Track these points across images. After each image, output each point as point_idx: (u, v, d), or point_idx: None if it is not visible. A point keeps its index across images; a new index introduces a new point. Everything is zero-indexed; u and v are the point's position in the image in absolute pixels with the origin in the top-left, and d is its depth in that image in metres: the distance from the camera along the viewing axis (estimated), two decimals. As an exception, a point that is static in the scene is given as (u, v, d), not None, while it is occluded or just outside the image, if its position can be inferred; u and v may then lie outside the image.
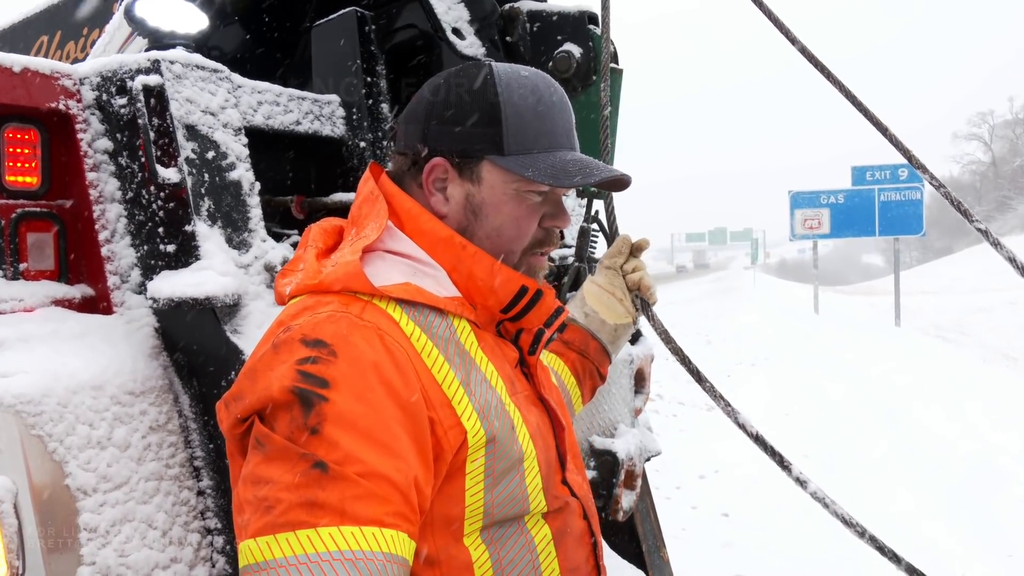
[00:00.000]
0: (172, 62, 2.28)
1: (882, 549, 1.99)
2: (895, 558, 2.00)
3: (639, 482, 3.08)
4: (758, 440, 2.01)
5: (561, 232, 1.53)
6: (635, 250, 2.02)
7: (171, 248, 2.27)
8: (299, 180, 2.93)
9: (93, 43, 3.45)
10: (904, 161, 2.33)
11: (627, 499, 3.00)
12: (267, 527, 1.06)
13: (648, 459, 3.27)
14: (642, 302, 2.01)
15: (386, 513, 1.08)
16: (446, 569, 1.23)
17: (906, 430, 8.69)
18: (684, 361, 2.05)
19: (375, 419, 1.12)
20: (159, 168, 2.22)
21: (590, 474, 2.91)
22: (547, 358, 1.94)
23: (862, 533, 1.98)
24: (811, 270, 24.31)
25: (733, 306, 22.89)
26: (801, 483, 1.98)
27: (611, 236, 2.21)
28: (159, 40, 2.41)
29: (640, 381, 3.45)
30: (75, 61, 3.54)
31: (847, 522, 1.96)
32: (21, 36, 3.94)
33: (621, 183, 1.43)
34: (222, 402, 1.22)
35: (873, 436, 8.42)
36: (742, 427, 2.02)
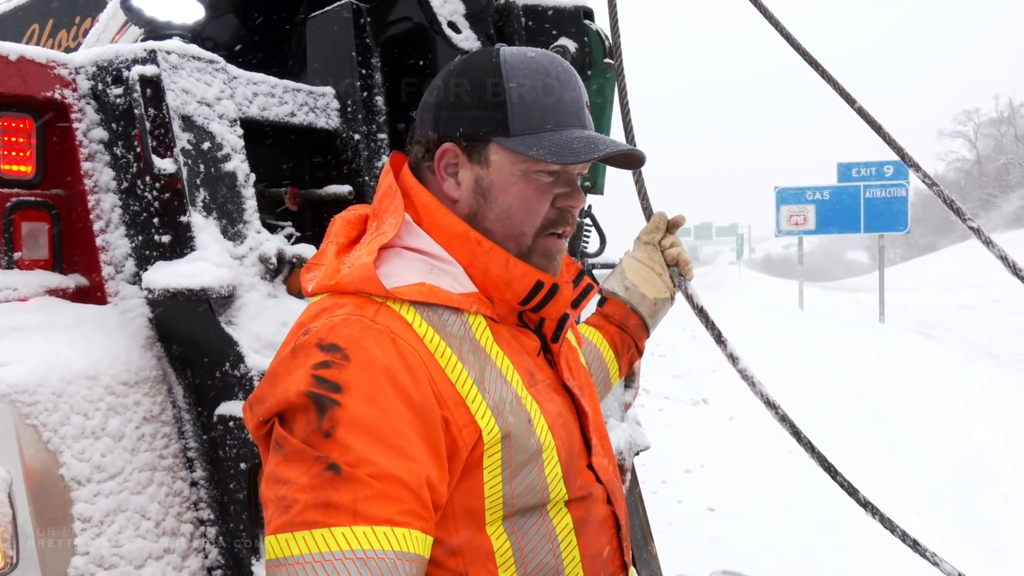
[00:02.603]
0: (168, 52, 2.28)
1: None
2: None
3: (628, 476, 3.10)
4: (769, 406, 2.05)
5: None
6: (671, 226, 2.05)
7: (166, 239, 2.27)
8: (293, 172, 2.93)
9: (85, 32, 3.44)
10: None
11: (616, 492, 3.02)
12: (285, 525, 1.11)
13: (637, 453, 3.29)
14: (678, 278, 2.04)
15: (397, 512, 1.11)
16: (469, 558, 1.27)
17: (890, 426, 8.76)
18: (717, 338, 2.09)
19: (386, 422, 1.15)
20: (155, 158, 2.22)
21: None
22: (586, 331, 1.98)
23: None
24: (796, 266, 24.38)
25: (718, 301, 22.92)
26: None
27: (648, 211, 2.20)
28: (155, 30, 2.41)
29: (630, 376, 3.47)
30: (67, 50, 3.52)
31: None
32: (12, 24, 3.92)
33: (632, 158, 1.44)
34: (247, 404, 1.27)
35: (857, 432, 8.47)
36: (767, 402, 2.04)
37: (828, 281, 53.85)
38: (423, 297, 1.28)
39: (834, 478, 2.04)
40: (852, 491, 2.04)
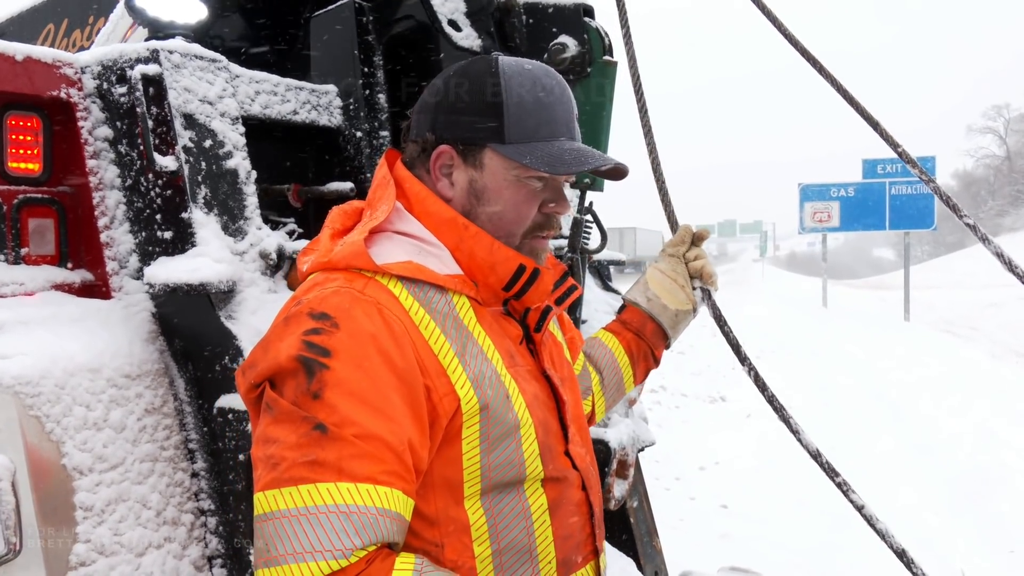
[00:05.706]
0: (171, 52, 2.32)
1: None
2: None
3: (631, 471, 3.11)
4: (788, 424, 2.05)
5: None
6: (696, 239, 2.10)
7: (168, 235, 2.31)
8: (296, 169, 2.97)
9: (99, 31, 3.50)
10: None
11: (619, 488, 3.04)
12: (273, 482, 1.18)
13: (641, 449, 3.30)
14: (702, 290, 2.07)
15: (380, 471, 1.19)
16: (445, 530, 1.34)
17: (912, 425, 8.70)
18: (736, 350, 2.10)
19: (371, 385, 1.23)
20: (157, 156, 2.26)
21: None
22: (603, 336, 2.03)
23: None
24: (820, 263, 24.23)
25: (741, 298, 22.82)
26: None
27: (673, 222, 2.22)
28: (159, 30, 2.45)
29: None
30: (81, 49, 3.59)
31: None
32: (28, 24, 3.99)
33: (618, 172, 1.52)
34: (240, 369, 1.35)
35: (878, 430, 8.42)
36: (782, 417, 2.05)
37: (853, 279, 53.33)
38: (410, 273, 1.36)
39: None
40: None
